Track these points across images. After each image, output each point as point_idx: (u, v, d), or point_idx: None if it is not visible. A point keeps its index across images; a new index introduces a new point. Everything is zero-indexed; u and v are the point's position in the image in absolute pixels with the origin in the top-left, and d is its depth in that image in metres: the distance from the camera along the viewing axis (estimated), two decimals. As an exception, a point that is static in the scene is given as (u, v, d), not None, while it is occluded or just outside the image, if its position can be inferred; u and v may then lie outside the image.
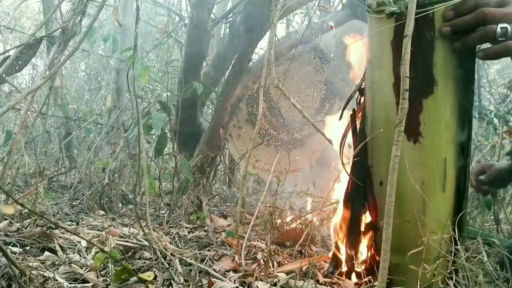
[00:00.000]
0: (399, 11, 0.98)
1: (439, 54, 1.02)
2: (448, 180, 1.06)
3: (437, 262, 1.02)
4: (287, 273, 1.29)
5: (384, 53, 1.08)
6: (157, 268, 1.25)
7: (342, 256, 1.27)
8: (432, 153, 1.05)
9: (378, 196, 1.15)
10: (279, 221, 1.78)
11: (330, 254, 1.35)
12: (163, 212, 2.28)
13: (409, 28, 0.91)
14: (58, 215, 1.97)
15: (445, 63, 1.02)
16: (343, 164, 1.24)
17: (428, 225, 1.05)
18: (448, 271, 1.02)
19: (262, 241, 1.67)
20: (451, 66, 1.03)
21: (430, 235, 1.02)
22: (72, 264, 1.24)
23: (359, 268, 1.21)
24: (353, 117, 1.25)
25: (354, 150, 1.20)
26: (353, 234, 1.22)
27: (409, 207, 1.07)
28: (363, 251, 1.22)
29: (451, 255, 1.04)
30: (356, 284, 1.24)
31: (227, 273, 1.30)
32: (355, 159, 1.17)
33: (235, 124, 2.85)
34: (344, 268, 1.25)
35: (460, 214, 1.08)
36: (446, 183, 1.06)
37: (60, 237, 1.49)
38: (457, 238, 1.04)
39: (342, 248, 1.27)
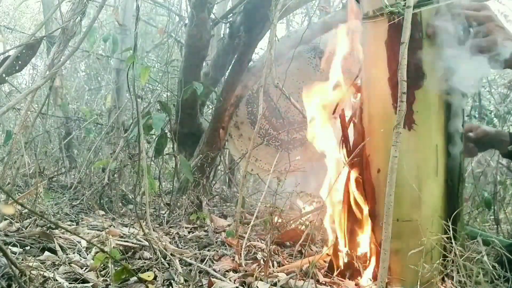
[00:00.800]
0: (396, 10, 1.10)
1: (426, 52, 1.13)
2: (439, 165, 1.15)
3: (437, 263, 1.03)
4: (287, 273, 1.29)
5: (379, 53, 1.19)
6: (157, 268, 1.25)
7: (342, 252, 1.28)
8: (424, 139, 1.15)
9: (376, 183, 1.22)
10: (279, 220, 1.78)
11: (330, 251, 1.36)
12: (163, 212, 2.28)
13: (406, 36, 0.97)
14: (58, 215, 1.97)
15: (432, 60, 1.14)
16: (345, 160, 1.27)
17: (423, 210, 1.13)
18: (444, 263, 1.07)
19: (262, 241, 1.67)
20: (438, 62, 1.13)
21: (425, 218, 1.11)
22: (72, 264, 1.24)
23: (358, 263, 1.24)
24: (343, 116, 1.32)
25: (353, 143, 1.28)
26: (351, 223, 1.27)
27: (406, 191, 1.13)
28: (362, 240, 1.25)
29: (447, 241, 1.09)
30: (356, 285, 1.24)
31: (227, 273, 1.30)
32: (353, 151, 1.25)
33: (235, 124, 2.85)
34: (346, 259, 1.27)
35: (455, 208, 1.15)
36: (438, 167, 1.15)
37: (60, 237, 1.49)
38: (449, 223, 1.10)
39: (341, 242, 1.29)
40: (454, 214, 1.14)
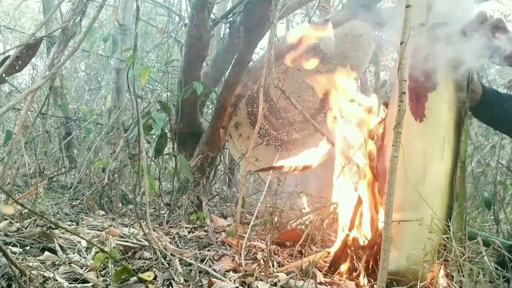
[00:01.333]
0: None
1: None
2: (445, 154, 1.33)
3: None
4: (287, 273, 1.29)
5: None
6: (157, 268, 1.25)
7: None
8: (433, 130, 1.35)
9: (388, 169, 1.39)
10: (280, 220, 1.78)
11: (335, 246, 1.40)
12: (163, 212, 2.28)
13: (405, 36, 0.99)
14: (58, 215, 1.97)
15: (445, 71, 1.36)
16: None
17: (427, 187, 1.30)
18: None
19: (262, 241, 1.67)
20: (450, 74, 1.36)
21: (428, 195, 1.27)
22: (72, 264, 1.24)
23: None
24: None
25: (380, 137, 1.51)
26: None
27: (412, 170, 1.32)
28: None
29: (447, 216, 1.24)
30: (356, 285, 1.24)
31: (227, 273, 1.30)
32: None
33: (235, 124, 2.85)
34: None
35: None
36: (444, 155, 1.33)
37: (60, 237, 1.49)
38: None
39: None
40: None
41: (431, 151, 1.33)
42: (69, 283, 1.09)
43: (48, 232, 1.48)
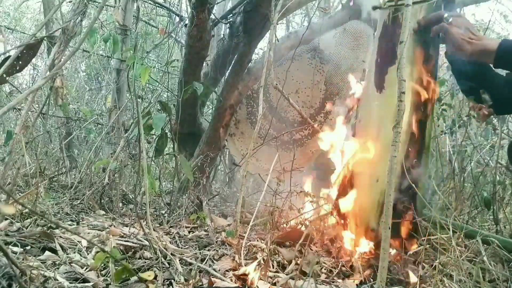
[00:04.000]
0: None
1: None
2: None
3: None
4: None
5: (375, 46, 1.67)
6: (157, 268, 1.25)
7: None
8: (390, 99, 1.47)
9: None
10: (282, 220, 1.78)
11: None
12: (163, 211, 2.29)
13: (404, 35, 0.99)
14: (59, 215, 1.98)
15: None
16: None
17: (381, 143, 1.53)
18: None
19: (262, 241, 1.68)
20: (409, 48, 1.50)
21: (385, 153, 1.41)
22: (73, 264, 1.24)
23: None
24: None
25: None
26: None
27: (371, 132, 1.57)
28: None
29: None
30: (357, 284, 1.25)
31: (227, 272, 1.31)
32: None
33: (235, 124, 2.86)
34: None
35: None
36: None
37: (60, 236, 1.49)
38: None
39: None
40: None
41: (387, 116, 1.52)
42: (70, 283, 1.10)
43: (48, 231, 1.48)
